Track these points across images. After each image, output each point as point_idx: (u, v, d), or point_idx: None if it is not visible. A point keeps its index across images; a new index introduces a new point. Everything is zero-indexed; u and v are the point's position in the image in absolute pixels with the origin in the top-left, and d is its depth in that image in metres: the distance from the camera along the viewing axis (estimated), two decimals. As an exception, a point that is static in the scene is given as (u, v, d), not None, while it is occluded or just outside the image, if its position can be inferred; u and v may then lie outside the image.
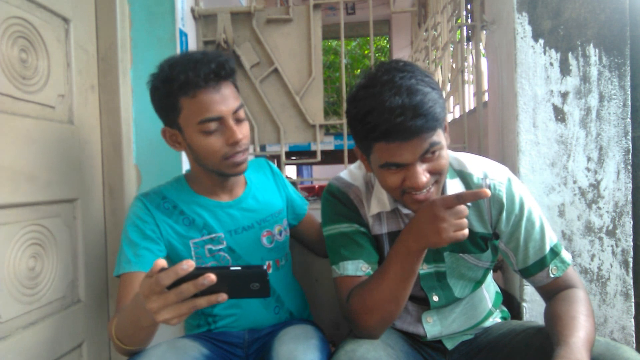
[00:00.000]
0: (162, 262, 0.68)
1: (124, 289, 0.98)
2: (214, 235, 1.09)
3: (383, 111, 0.80)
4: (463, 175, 0.99)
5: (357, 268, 0.97)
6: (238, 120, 1.02)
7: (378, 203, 1.00)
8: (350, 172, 1.07)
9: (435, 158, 0.86)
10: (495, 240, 1.00)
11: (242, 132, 1.02)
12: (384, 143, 0.83)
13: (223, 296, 0.68)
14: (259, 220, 1.14)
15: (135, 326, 0.81)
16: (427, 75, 0.86)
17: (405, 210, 0.99)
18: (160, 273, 0.66)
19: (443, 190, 0.96)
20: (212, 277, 0.64)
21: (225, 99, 0.98)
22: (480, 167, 0.99)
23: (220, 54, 1.01)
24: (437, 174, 0.87)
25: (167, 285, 0.66)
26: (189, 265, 0.65)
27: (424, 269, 1.01)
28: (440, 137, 0.85)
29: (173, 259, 1.09)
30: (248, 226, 1.12)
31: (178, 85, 0.96)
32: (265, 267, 0.68)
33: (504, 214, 0.96)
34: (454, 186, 0.97)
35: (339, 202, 1.03)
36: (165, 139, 1.07)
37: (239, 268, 0.67)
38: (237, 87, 1.07)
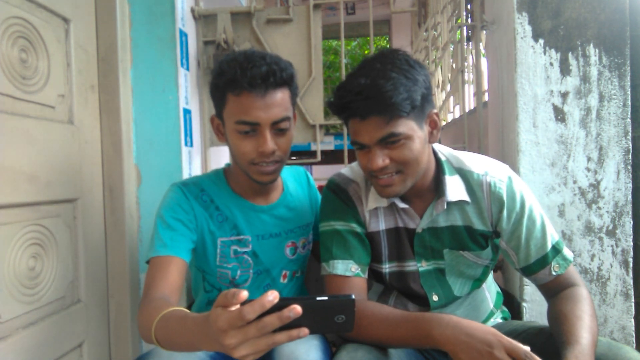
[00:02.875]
0: (245, 294, 0.59)
1: (156, 273, 0.94)
2: (242, 237, 1.08)
3: (345, 89, 0.87)
4: (462, 173, 0.98)
5: (346, 268, 0.97)
6: (280, 131, 0.98)
7: (375, 198, 1.00)
8: (351, 169, 1.07)
9: (398, 147, 0.88)
10: (496, 239, 1.00)
11: (279, 143, 0.98)
12: (350, 121, 0.90)
13: (305, 331, 0.60)
14: (287, 230, 1.13)
15: (191, 346, 0.73)
16: (414, 67, 0.87)
17: (401, 205, 0.98)
18: (245, 306, 0.58)
19: (442, 187, 0.96)
20: (298, 309, 0.57)
21: (268, 107, 0.95)
22: (480, 164, 0.99)
23: (280, 60, 0.97)
24: (399, 164, 0.89)
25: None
26: (274, 296, 0.57)
27: (423, 266, 1.01)
28: (407, 128, 0.86)
29: (199, 252, 1.08)
30: (275, 234, 1.11)
31: (226, 81, 0.96)
32: (353, 296, 0.60)
33: (505, 212, 0.96)
34: (454, 183, 0.97)
35: (337, 198, 1.03)
36: (212, 126, 1.08)
37: (326, 298, 0.60)
38: (295, 96, 1.04)
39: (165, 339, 0.78)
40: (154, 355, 0.88)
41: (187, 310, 0.79)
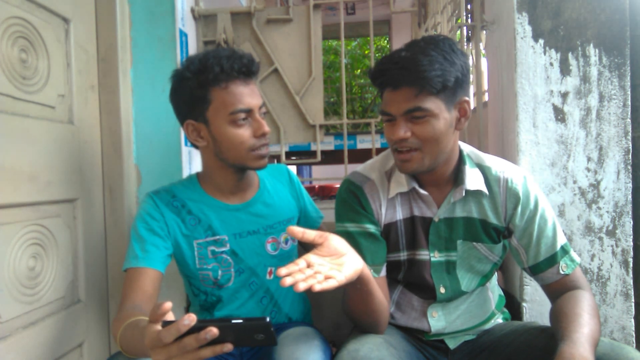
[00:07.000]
0: (167, 306, 0.65)
1: (130, 284, 0.98)
2: (217, 237, 1.09)
3: (386, 58, 0.91)
4: (482, 168, 1.02)
5: None
6: (263, 115, 1.06)
7: (397, 185, 1.02)
8: (367, 165, 1.08)
9: (422, 123, 0.90)
10: (505, 240, 1.03)
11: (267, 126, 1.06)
12: (384, 91, 0.93)
13: (228, 346, 0.66)
14: (266, 226, 1.13)
15: (143, 353, 0.80)
16: (456, 52, 0.89)
17: (422, 191, 1.00)
18: (162, 330, 0.64)
19: (462, 176, 0.98)
20: (214, 331, 0.63)
21: (253, 93, 1.03)
22: (498, 163, 1.03)
23: (246, 53, 1.04)
24: (420, 140, 0.91)
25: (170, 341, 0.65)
26: (190, 320, 0.63)
27: (435, 257, 1.02)
28: (434, 106, 0.88)
29: (177, 257, 1.09)
30: (254, 231, 1.12)
31: (213, 76, 0.98)
32: (268, 319, 0.64)
33: (519, 208, 0.99)
34: (473, 174, 0.99)
35: (351, 198, 1.03)
36: (187, 132, 1.06)
37: (240, 321, 0.65)
38: None
39: (126, 347, 0.85)
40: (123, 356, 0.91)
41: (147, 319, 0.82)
